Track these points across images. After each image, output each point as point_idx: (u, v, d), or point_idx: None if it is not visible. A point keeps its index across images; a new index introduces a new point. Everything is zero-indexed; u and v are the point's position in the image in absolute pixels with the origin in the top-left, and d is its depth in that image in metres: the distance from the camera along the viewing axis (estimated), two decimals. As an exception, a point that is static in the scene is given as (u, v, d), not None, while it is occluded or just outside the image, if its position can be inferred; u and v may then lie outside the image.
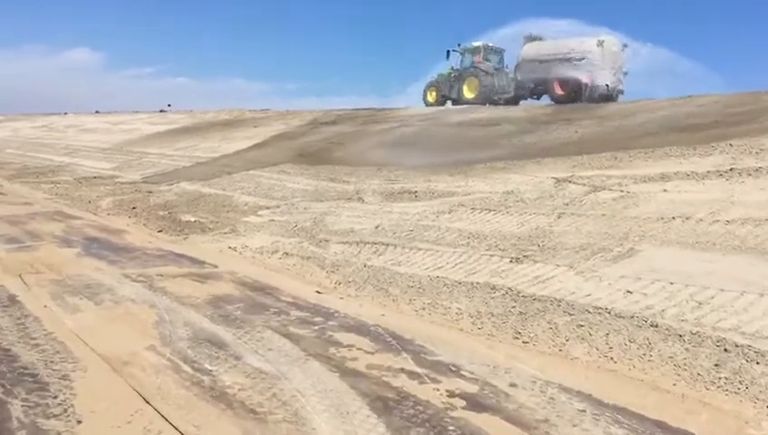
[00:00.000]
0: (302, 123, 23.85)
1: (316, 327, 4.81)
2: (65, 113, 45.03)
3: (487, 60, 27.26)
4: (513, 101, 25.64)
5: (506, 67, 27.31)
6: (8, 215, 10.28)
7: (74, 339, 4.34)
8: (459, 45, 28.00)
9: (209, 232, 9.30)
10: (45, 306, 5.12)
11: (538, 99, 25.55)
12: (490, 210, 8.34)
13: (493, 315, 4.94)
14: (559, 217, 7.40)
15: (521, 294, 5.30)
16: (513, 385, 3.67)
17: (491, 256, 6.49)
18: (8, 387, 3.46)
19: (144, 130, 29.41)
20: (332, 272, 6.67)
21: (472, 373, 3.85)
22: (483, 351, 4.29)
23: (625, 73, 24.46)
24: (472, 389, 3.61)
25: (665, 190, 7.62)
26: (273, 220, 9.93)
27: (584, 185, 8.75)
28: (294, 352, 4.20)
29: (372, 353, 4.22)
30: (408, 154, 15.25)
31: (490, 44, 27.66)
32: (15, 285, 5.75)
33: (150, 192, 13.64)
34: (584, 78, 23.22)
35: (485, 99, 25.82)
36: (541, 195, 8.74)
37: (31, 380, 3.57)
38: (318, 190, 12.15)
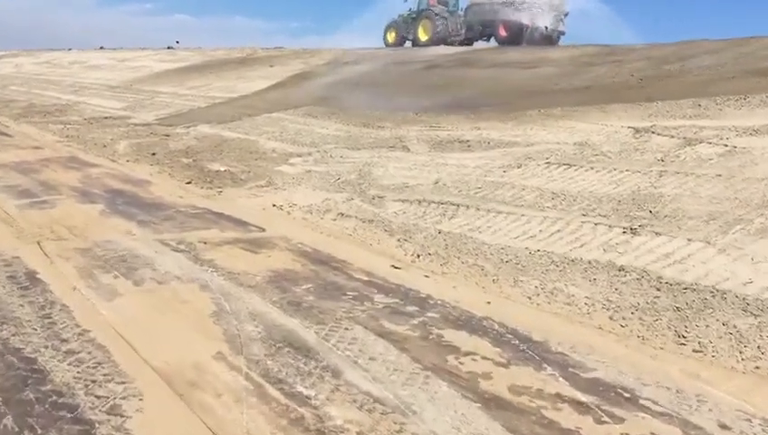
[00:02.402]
0: (321, 62, 22.51)
1: (414, 321, 3.82)
2: (69, 49, 43.37)
3: (442, 3, 27.91)
4: (467, 42, 26.47)
5: (460, 10, 27.94)
6: (17, 161, 9.24)
7: (117, 341, 3.36)
8: None
9: (243, 184, 8.27)
10: (74, 288, 4.14)
11: (487, 41, 26.68)
12: (569, 165, 7.27)
13: (636, 309, 3.94)
14: (660, 177, 6.33)
15: (662, 280, 4.28)
16: (724, 427, 2.69)
17: (595, 223, 5.46)
18: (39, 432, 2.48)
19: (153, 67, 28.01)
20: (404, 240, 5.66)
21: (655, 403, 2.87)
22: (646, 363, 3.30)
23: (566, 14, 25.22)
24: (673, 433, 2.63)
25: (784, 146, 6.52)
26: (309, 171, 8.87)
27: (673, 137, 7.64)
28: (406, 364, 3.22)
29: (506, 366, 3.23)
30: (444, 97, 14.08)
31: None
32: (34, 257, 4.76)
33: (168, 135, 12.55)
34: (525, 20, 24.08)
35: (439, 40, 26.57)
36: (622, 148, 7.64)
37: (69, 416, 2.60)
38: (351, 136, 11.05)
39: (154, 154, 10.42)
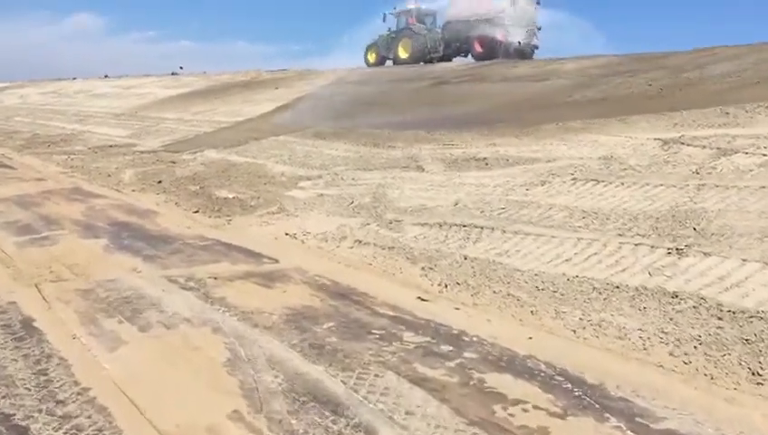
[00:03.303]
0: (326, 83, 22.27)
1: (451, 363, 3.43)
2: (74, 78, 43.49)
3: (421, 22, 29.34)
4: (446, 58, 27.78)
5: (437, 28, 29.34)
6: (19, 194, 8.93)
7: (121, 401, 2.97)
8: (395, 8, 30.40)
9: (253, 211, 7.92)
10: (74, 337, 3.76)
11: (465, 56, 27.92)
12: (597, 181, 6.88)
13: (699, 342, 3.53)
14: (699, 190, 5.93)
15: (722, 307, 3.87)
16: (835, 491, 2.27)
17: (635, 244, 5.06)
18: None
19: (157, 93, 27.88)
20: (429, 269, 5.26)
21: (746, 462, 2.45)
22: (722, 408, 2.89)
23: (539, 29, 26.93)
24: (777, 502, 2.21)
25: (829, 154, 6.12)
26: (321, 194, 8.51)
27: (704, 147, 7.24)
28: (448, 419, 2.82)
29: (563, 417, 2.83)
30: (455, 113, 13.77)
31: (422, 7, 29.93)
32: (31, 301, 4.39)
33: (174, 162, 12.24)
34: (498, 36, 25.52)
35: (418, 58, 28.03)
36: (652, 161, 7.25)
37: (64, 504, 2.20)
38: (362, 157, 10.69)
39: (160, 182, 10.10)
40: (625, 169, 7.14)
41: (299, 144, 12.66)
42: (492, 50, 25.55)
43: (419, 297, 4.62)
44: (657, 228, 5.32)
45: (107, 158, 13.28)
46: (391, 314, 4.25)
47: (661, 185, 6.31)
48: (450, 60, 27.61)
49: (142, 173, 11.05)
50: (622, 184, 6.62)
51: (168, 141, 15.73)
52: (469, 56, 27.67)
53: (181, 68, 39.86)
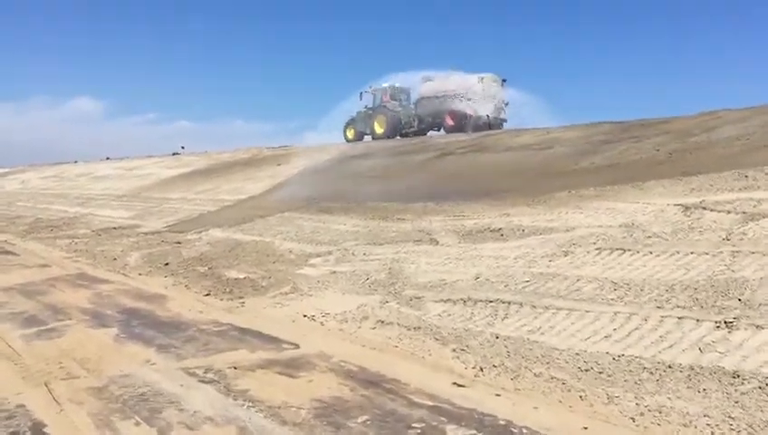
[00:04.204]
0: (329, 158, 22.32)
1: (506, 461, 3.10)
2: (75, 162, 43.86)
3: (395, 98, 30.42)
4: (421, 132, 28.86)
5: (411, 104, 30.48)
6: (23, 282, 8.67)
7: None
8: (370, 87, 31.10)
9: (266, 292, 7.66)
10: (89, 445, 3.44)
11: (438, 130, 28.85)
12: (623, 250, 6.64)
13: (776, 429, 3.22)
14: (734, 258, 5.70)
15: (791, 388, 3.57)
16: None
17: (678, 317, 4.78)
18: None
19: (160, 174, 27.96)
20: (461, 350, 4.97)
21: None
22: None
23: (506, 104, 28.25)
24: None
25: None
26: (334, 272, 8.27)
27: (729, 212, 7.05)
28: None
29: None
30: (462, 184, 13.65)
31: (396, 85, 30.81)
32: (42, 403, 4.08)
33: (179, 243, 12.04)
34: (468, 110, 26.82)
35: (393, 133, 28.94)
36: (675, 227, 7.04)
37: None
38: (371, 231, 10.49)
39: (167, 264, 9.87)
40: (649, 236, 6.93)
41: (305, 220, 12.49)
42: (463, 123, 26.66)
43: (455, 383, 4.33)
44: (697, 299, 5.05)
45: (111, 240, 13.08)
46: (429, 403, 3.94)
47: (692, 253, 6.08)
48: (425, 134, 28.65)
49: (148, 255, 10.82)
50: (650, 253, 6.39)
51: (171, 221, 15.59)
52: (441, 130, 28.83)
53: (183, 148, 40.25)
